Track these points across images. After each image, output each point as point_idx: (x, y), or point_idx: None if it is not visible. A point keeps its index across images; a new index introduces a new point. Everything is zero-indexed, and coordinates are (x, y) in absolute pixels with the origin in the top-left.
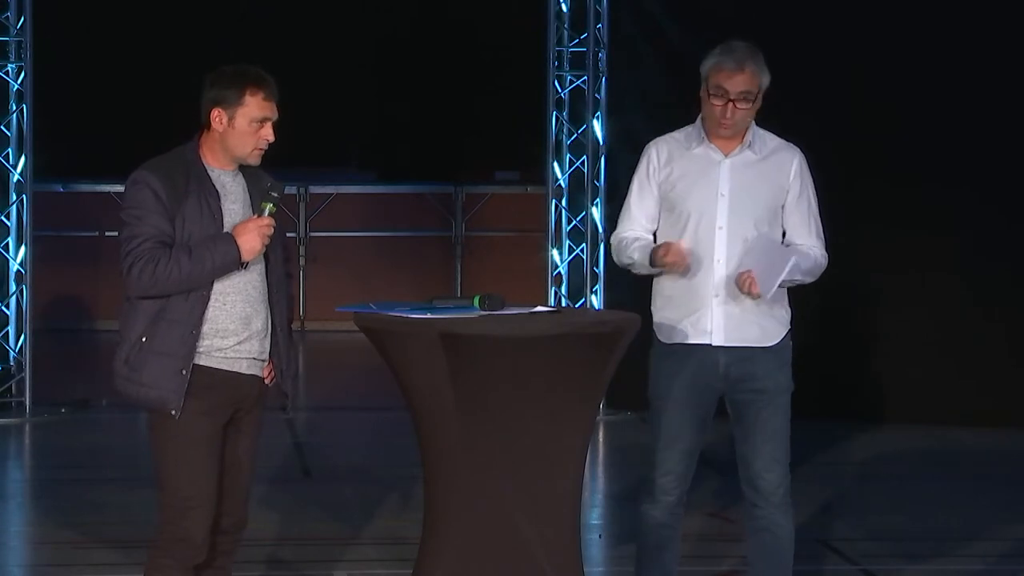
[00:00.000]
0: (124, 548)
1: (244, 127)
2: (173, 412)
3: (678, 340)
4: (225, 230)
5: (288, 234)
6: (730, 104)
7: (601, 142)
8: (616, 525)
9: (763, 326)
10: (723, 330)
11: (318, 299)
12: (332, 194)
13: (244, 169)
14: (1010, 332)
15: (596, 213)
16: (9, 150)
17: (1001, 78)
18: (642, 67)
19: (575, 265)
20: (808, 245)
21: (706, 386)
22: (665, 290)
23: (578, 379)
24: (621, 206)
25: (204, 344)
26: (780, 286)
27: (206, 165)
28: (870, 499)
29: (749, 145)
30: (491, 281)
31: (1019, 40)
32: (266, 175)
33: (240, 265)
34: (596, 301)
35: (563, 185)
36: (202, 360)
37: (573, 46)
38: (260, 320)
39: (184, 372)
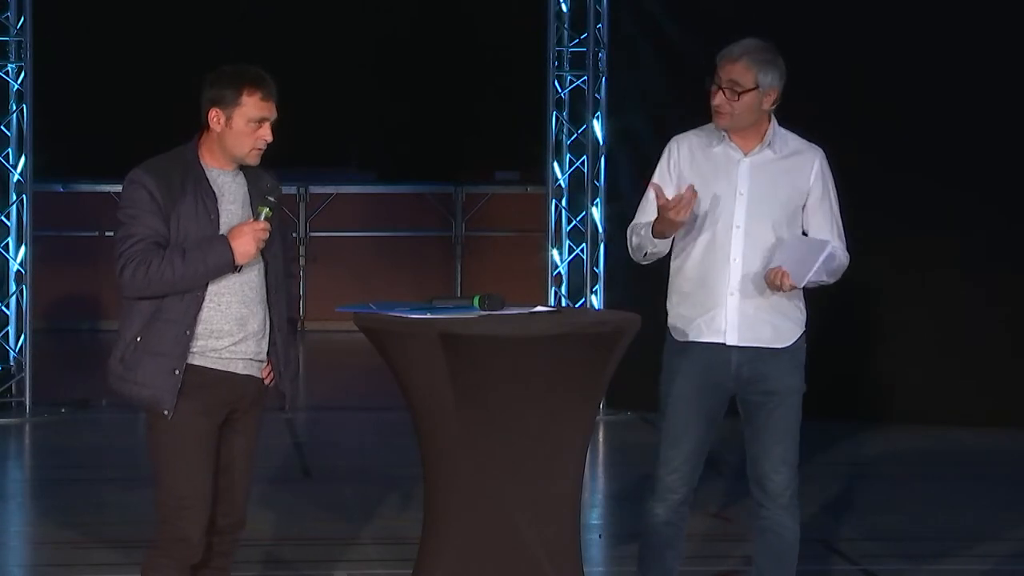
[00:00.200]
0: (124, 548)
1: (242, 127)
2: (166, 412)
3: (691, 338)
4: (223, 230)
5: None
6: (720, 92)
7: (601, 142)
8: (616, 525)
9: (777, 327)
10: (737, 329)
11: (318, 299)
12: (332, 194)
13: (245, 169)
14: (1011, 332)
15: (596, 213)
16: (9, 150)
17: (1003, 77)
18: (642, 67)
19: (575, 265)
20: (830, 246)
21: (717, 385)
22: (681, 287)
23: (578, 379)
24: (621, 206)
25: (199, 344)
26: (808, 285)
27: (205, 165)
28: (870, 499)
29: (769, 144)
30: (491, 281)
31: (1019, 39)
32: (266, 175)
33: (234, 268)
34: (596, 301)
35: (563, 185)
36: (197, 360)
37: (573, 46)
38: (257, 321)
39: (177, 372)
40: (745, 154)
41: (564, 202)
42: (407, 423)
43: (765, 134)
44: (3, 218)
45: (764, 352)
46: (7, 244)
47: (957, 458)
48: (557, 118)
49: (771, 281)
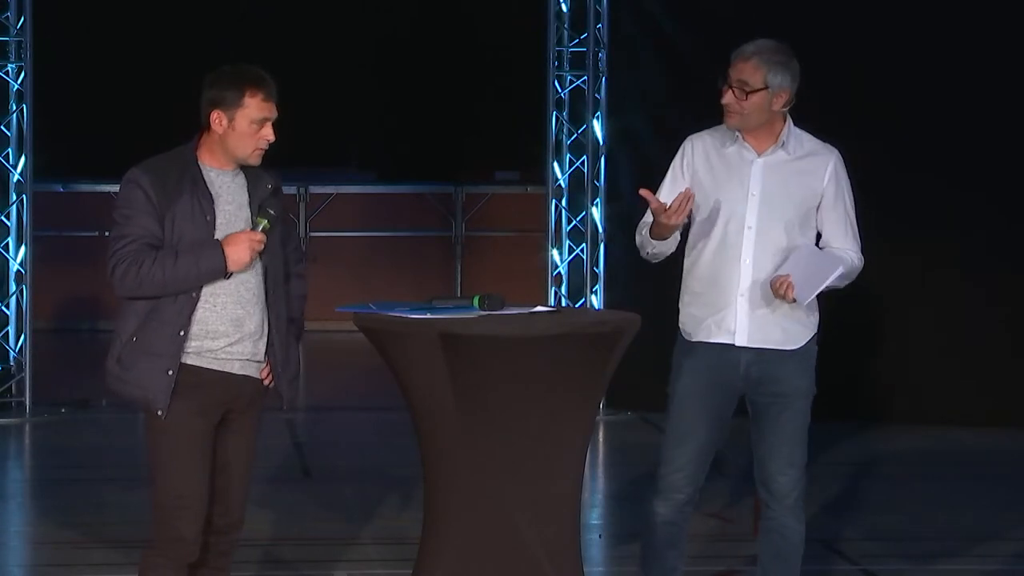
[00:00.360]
0: (124, 548)
1: (244, 128)
2: (159, 412)
3: (701, 338)
4: (218, 231)
5: None
6: (730, 91)
7: (601, 142)
8: (616, 525)
9: (787, 329)
10: (746, 331)
11: (318, 299)
12: (332, 194)
13: (245, 169)
14: (1011, 332)
15: (596, 213)
16: (9, 150)
17: (1003, 76)
18: (642, 67)
19: (575, 265)
20: (844, 249)
21: (726, 385)
22: (692, 287)
23: (578, 379)
24: (621, 206)
25: (193, 345)
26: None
27: (205, 166)
28: (870, 499)
29: (783, 145)
30: (491, 281)
31: (1018, 39)
32: (267, 175)
33: (225, 274)
34: (596, 301)
35: (563, 185)
36: (192, 360)
37: (573, 46)
38: (254, 322)
39: (171, 372)
40: (758, 154)
41: (564, 202)
42: (407, 423)
43: (779, 135)
44: (3, 218)
45: (774, 353)
46: (7, 244)
47: (957, 458)
48: (557, 118)
49: (775, 289)
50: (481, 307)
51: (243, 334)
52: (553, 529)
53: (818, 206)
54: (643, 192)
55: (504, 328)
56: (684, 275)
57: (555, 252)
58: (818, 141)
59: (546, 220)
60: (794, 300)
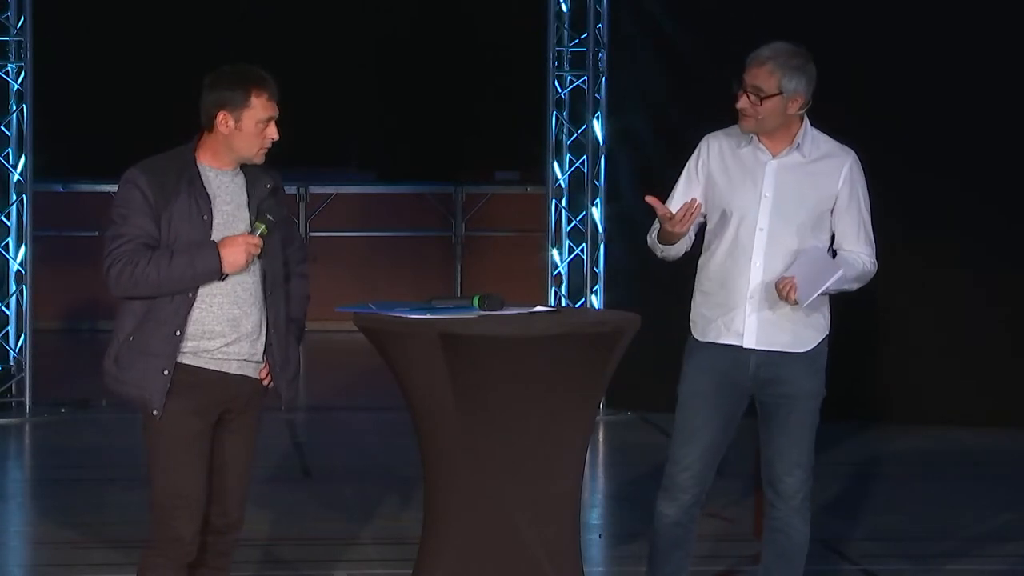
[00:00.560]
0: (124, 548)
1: (251, 128)
2: (155, 412)
3: (710, 338)
4: (217, 231)
5: None
6: (744, 95)
7: (601, 142)
8: (616, 525)
9: (796, 332)
10: (755, 333)
11: (318, 299)
12: (332, 194)
13: (245, 169)
14: (1011, 332)
15: (596, 213)
16: (9, 150)
17: (1004, 76)
18: (642, 67)
19: (575, 265)
20: (856, 252)
21: (735, 385)
22: (703, 286)
23: (578, 379)
24: (621, 206)
25: (190, 345)
26: (822, 294)
27: (204, 166)
28: (870, 499)
29: (798, 147)
30: (491, 281)
31: (1018, 38)
32: (266, 176)
33: (220, 276)
34: (596, 301)
35: (563, 185)
36: (188, 360)
37: (573, 46)
38: (251, 322)
39: (166, 372)
40: (773, 156)
41: (564, 202)
42: (407, 423)
43: (795, 137)
44: (3, 218)
45: (782, 355)
46: (7, 244)
47: (957, 458)
48: (557, 118)
49: (779, 290)
50: (481, 307)
51: (240, 334)
52: (553, 529)
53: (832, 209)
54: (649, 199)
55: (504, 328)
56: (697, 274)
57: (555, 252)
58: (835, 143)
59: (546, 220)
60: (796, 302)
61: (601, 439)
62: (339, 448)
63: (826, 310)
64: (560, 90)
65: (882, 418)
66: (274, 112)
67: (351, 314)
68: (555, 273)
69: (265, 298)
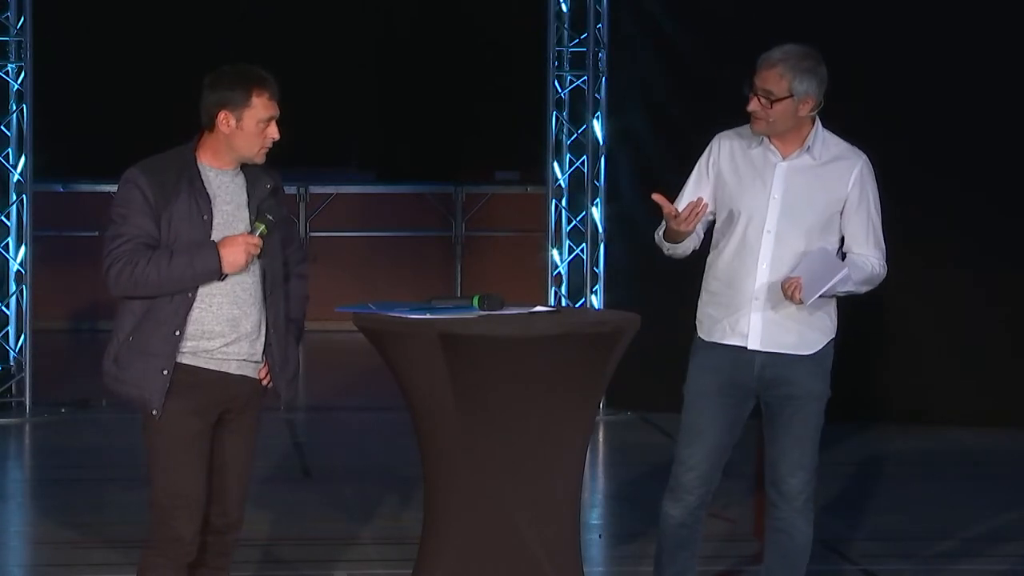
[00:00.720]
0: (124, 548)
1: (252, 128)
2: (154, 412)
3: (716, 338)
4: (217, 231)
5: None
6: (755, 98)
7: (601, 142)
8: (616, 525)
9: (802, 333)
10: (759, 335)
11: (318, 299)
12: (332, 194)
13: (245, 168)
14: (1011, 332)
15: (596, 213)
16: (9, 150)
17: (1004, 75)
18: (642, 67)
19: (575, 265)
20: (864, 255)
21: (740, 385)
22: (710, 286)
23: (578, 379)
24: (621, 206)
25: (189, 345)
26: (826, 295)
27: (204, 166)
28: (870, 499)
29: (808, 149)
30: (491, 281)
31: (1018, 37)
32: (266, 176)
33: (220, 277)
34: (596, 301)
35: (563, 185)
36: (188, 360)
37: (573, 46)
38: (250, 322)
39: (166, 372)
40: (783, 158)
41: (564, 202)
42: (407, 423)
43: (806, 139)
44: (3, 218)
45: (787, 357)
46: (7, 244)
47: (957, 458)
48: (557, 118)
49: (784, 290)
50: (481, 307)
51: (239, 334)
52: (553, 529)
53: (842, 211)
54: (656, 197)
55: (504, 328)
56: (705, 273)
57: (555, 252)
58: (846, 145)
59: (546, 220)
60: (800, 303)
61: (601, 439)
62: (339, 448)
63: (833, 313)
64: (560, 90)
65: (882, 418)
66: (275, 112)
67: (351, 314)
68: (555, 273)
69: (264, 298)
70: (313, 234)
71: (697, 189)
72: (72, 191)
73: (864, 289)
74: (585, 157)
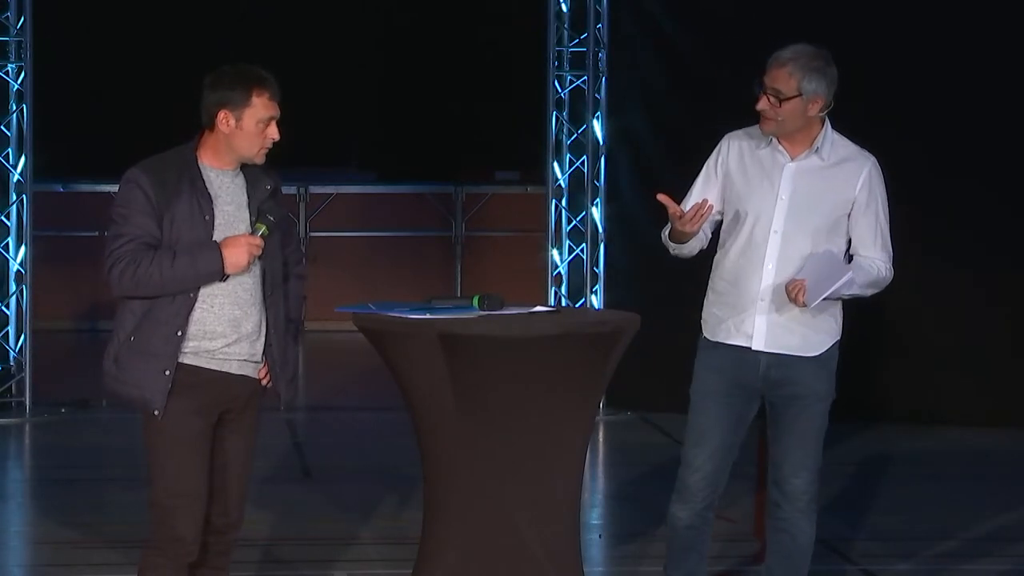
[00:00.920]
0: (124, 548)
1: (252, 128)
2: (156, 412)
3: (721, 338)
4: (218, 232)
5: None
6: (764, 97)
7: (601, 142)
8: (616, 525)
9: (806, 335)
10: (764, 336)
11: (318, 299)
12: (332, 194)
13: (245, 169)
14: (1011, 332)
15: (596, 213)
16: (9, 150)
17: (1005, 74)
18: (642, 67)
19: (575, 265)
20: (871, 258)
21: (745, 386)
22: (716, 285)
23: (578, 379)
24: (621, 206)
25: (191, 345)
26: (830, 297)
27: (205, 166)
28: (870, 499)
29: (817, 150)
30: (491, 281)
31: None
32: (267, 176)
33: (222, 277)
34: (596, 301)
35: (563, 185)
36: (189, 360)
37: (573, 46)
38: (251, 322)
39: (167, 372)
40: (791, 159)
41: (564, 202)
42: (407, 423)
43: (815, 140)
44: (3, 218)
45: (792, 358)
46: (7, 244)
47: (957, 458)
48: (557, 118)
49: (788, 291)
50: (481, 307)
51: (240, 335)
52: (553, 529)
53: (849, 213)
54: (661, 197)
55: (504, 328)
56: (711, 272)
57: (555, 252)
58: (855, 147)
59: (546, 220)
60: (803, 305)
61: (601, 439)
62: (339, 448)
63: (839, 315)
64: (560, 90)
65: (882, 418)
66: (275, 112)
67: (351, 314)
68: (555, 273)
69: (265, 298)
70: (313, 234)
71: (705, 189)
72: (72, 191)
73: (870, 292)
74: (585, 157)
